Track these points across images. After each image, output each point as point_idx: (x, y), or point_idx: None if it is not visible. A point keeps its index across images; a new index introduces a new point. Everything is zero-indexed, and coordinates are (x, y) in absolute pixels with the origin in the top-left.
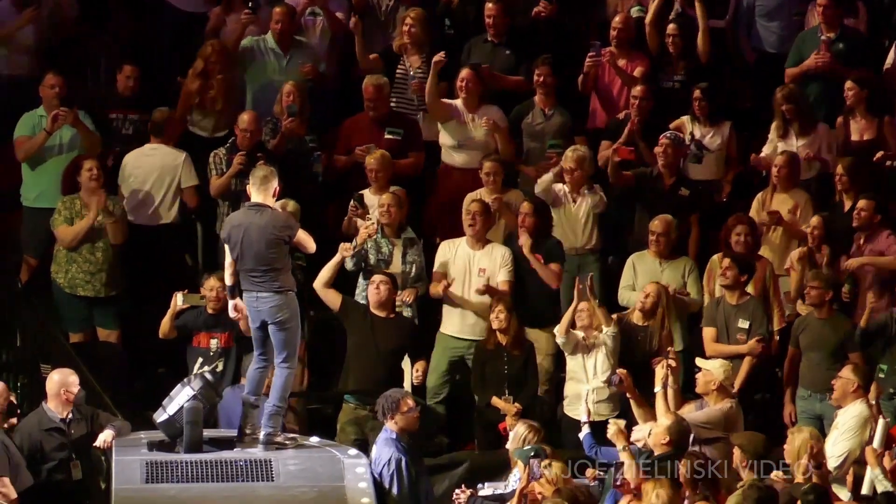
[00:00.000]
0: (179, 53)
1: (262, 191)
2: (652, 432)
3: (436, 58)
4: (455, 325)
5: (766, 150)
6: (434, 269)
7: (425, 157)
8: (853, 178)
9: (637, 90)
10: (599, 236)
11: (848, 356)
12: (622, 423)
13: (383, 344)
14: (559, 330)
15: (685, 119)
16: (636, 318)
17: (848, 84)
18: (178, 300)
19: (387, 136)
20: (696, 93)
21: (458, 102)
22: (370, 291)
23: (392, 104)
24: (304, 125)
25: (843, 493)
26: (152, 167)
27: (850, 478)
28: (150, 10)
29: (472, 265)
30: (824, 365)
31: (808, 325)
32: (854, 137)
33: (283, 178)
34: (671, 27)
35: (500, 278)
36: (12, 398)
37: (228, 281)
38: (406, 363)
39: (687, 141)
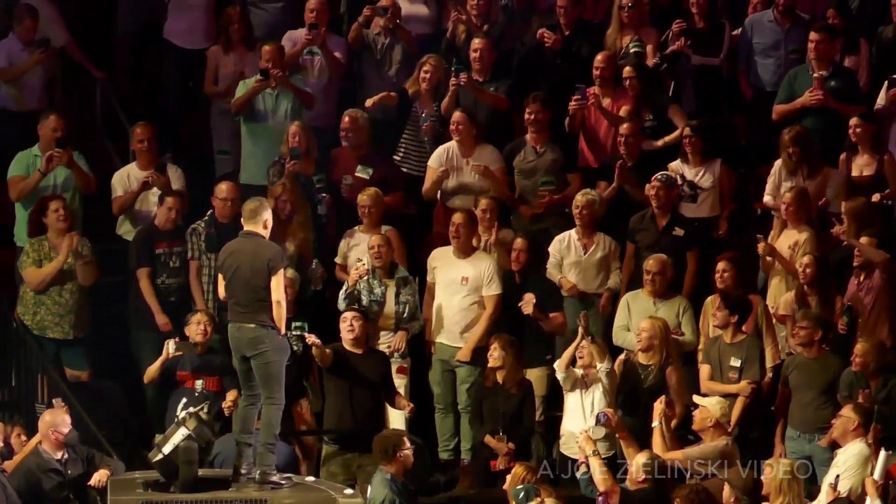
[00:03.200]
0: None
1: (254, 223)
2: (629, 471)
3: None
4: (443, 332)
5: (768, 191)
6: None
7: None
8: (856, 218)
9: (624, 128)
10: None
11: (837, 397)
12: (591, 431)
13: (362, 380)
14: (559, 365)
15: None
16: (640, 357)
17: (854, 121)
18: (171, 348)
19: (356, 174)
20: (686, 131)
21: (453, 145)
22: (343, 329)
23: (402, 145)
24: (312, 165)
25: None
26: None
27: None
28: (151, 50)
29: (455, 273)
30: (814, 405)
31: (798, 365)
32: (854, 174)
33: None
34: (626, 69)
35: (487, 293)
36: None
37: None
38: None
39: (679, 181)
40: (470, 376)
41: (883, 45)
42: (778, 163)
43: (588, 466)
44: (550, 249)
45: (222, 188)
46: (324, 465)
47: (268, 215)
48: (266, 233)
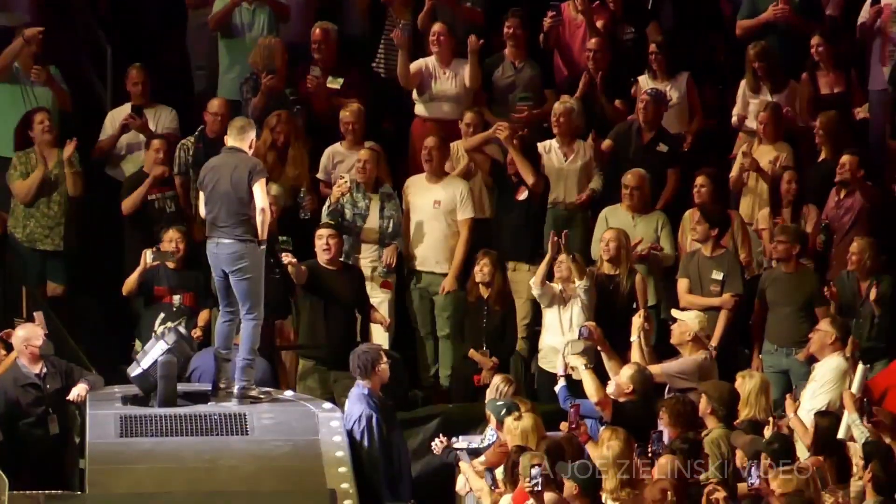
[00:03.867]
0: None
1: (239, 139)
2: (615, 382)
3: (394, 36)
4: (419, 259)
5: (737, 107)
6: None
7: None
8: (830, 132)
9: (592, 42)
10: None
11: (814, 311)
12: (571, 346)
13: (337, 296)
14: (535, 281)
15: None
16: (605, 268)
17: (815, 40)
18: (148, 258)
19: (328, 85)
20: (652, 47)
21: (431, 60)
22: (318, 246)
23: (380, 51)
24: (283, 80)
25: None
26: None
27: (811, 430)
28: None
29: (427, 198)
30: (791, 319)
31: (775, 280)
32: (823, 91)
33: None
34: None
35: (461, 216)
36: None
37: None
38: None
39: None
40: (450, 304)
41: None
42: (744, 81)
43: (567, 380)
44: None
45: (214, 104)
46: (301, 381)
47: (253, 135)
48: (249, 152)
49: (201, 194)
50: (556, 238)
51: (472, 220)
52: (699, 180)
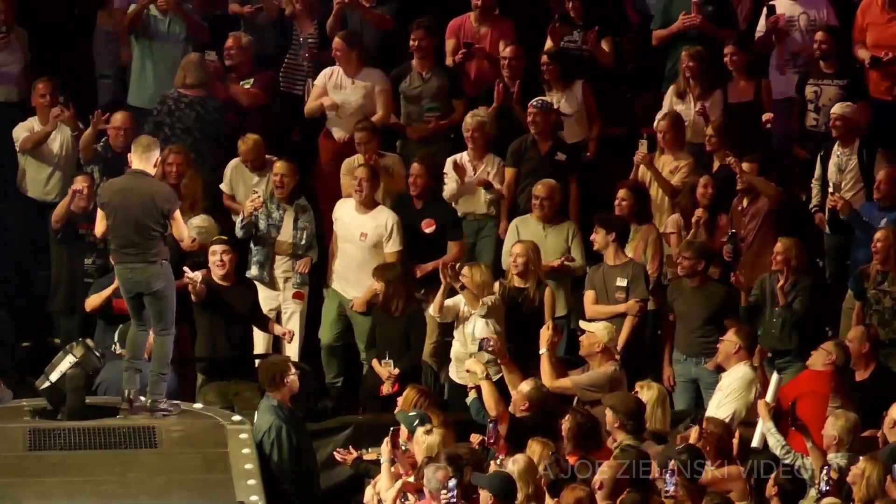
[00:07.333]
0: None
1: (145, 159)
2: (512, 399)
3: (301, 57)
4: (342, 280)
5: (664, 111)
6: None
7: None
8: (723, 138)
9: (507, 51)
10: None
11: (723, 322)
12: (475, 357)
13: (232, 311)
14: (433, 310)
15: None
16: (515, 282)
17: (728, 48)
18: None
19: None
20: (543, 58)
21: (338, 69)
22: (212, 262)
23: (285, 68)
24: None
25: None
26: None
27: (735, 440)
28: None
29: (354, 228)
30: (698, 332)
31: (682, 293)
32: (731, 100)
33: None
34: None
35: (389, 249)
36: None
37: None
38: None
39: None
40: (366, 327)
41: None
42: (672, 86)
43: (478, 392)
44: (445, 170)
45: (117, 118)
46: (199, 393)
47: (157, 154)
48: (155, 172)
49: (101, 212)
50: (447, 270)
51: (399, 253)
52: (621, 193)
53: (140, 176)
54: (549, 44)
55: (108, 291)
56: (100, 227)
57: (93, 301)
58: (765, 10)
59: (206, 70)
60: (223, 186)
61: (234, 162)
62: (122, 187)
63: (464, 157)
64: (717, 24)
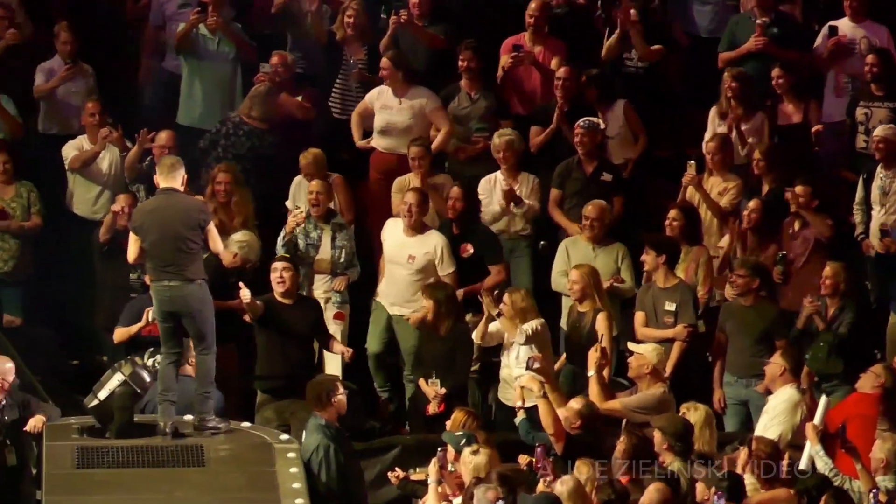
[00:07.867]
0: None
1: (171, 178)
2: (563, 417)
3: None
4: (389, 297)
5: (710, 132)
6: None
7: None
8: (770, 161)
9: (561, 71)
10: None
11: (774, 343)
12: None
13: (293, 330)
14: (475, 337)
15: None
16: (577, 307)
17: (775, 71)
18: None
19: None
20: (583, 80)
21: (385, 89)
22: (273, 280)
23: (336, 92)
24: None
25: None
26: None
27: (784, 462)
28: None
29: (402, 250)
30: (750, 351)
31: (735, 312)
32: (781, 122)
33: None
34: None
35: (444, 272)
36: None
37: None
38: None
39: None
40: (409, 344)
41: None
42: (714, 107)
43: (527, 413)
44: (479, 191)
45: (162, 136)
46: (258, 412)
47: (183, 172)
48: (183, 189)
49: (133, 236)
50: (487, 296)
51: (454, 274)
52: (672, 213)
53: (171, 193)
54: (604, 54)
55: (135, 328)
56: (132, 251)
57: (120, 335)
58: (825, 30)
59: (272, 105)
60: (288, 203)
61: (297, 178)
62: (156, 207)
63: (498, 176)
64: (782, 44)
